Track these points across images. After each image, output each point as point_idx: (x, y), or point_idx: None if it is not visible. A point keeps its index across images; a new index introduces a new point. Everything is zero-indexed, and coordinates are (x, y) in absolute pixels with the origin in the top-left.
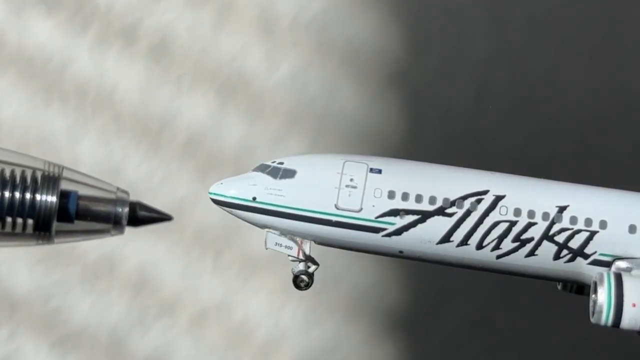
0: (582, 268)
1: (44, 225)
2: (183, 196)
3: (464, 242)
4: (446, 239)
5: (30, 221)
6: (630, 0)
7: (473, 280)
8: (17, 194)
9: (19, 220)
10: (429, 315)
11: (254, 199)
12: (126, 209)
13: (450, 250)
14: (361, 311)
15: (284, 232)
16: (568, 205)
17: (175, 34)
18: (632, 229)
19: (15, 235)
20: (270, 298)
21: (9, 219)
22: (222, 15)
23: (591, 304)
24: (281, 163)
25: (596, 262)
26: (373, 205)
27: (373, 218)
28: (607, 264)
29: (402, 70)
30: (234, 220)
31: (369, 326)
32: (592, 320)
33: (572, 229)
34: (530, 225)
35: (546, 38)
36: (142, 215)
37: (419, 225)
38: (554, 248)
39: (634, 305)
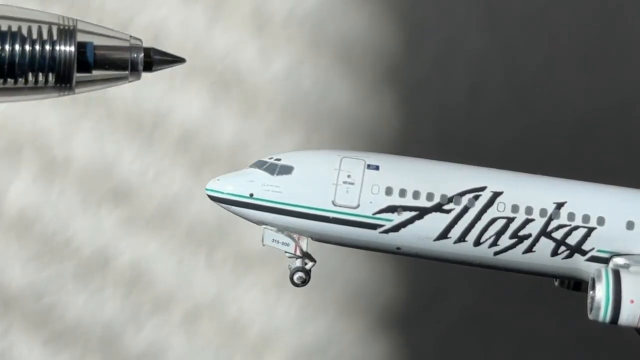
0: (579, 264)
1: (65, 77)
2: (176, 192)
3: (462, 238)
4: (444, 235)
5: (50, 75)
6: None
7: (468, 276)
8: (37, 48)
9: (40, 75)
10: (423, 311)
11: (251, 195)
12: (141, 55)
13: (447, 246)
14: (355, 307)
15: (281, 229)
16: (566, 202)
17: (169, 30)
18: (630, 225)
19: (38, 89)
20: (263, 294)
21: (30, 74)
22: (216, 11)
23: (589, 300)
24: (278, 159)
25: (594, 259)
26: (370, 202)
27: (370, 214)
28: (605, 261)
29: (396, 66)
30: (228, 217)
31: (363, 322)
32: (590, 316)
33: (570, 225)
34: (528, 221)
35: (541, 34)
36: (156, 60)
37: (417, 222)
38: (552, 244)
39: (632, 301)
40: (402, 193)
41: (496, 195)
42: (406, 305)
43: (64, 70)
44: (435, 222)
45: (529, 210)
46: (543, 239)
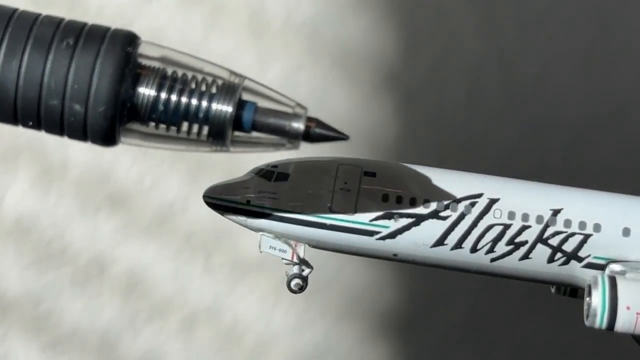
0: (576, 271)
1: (219, 132)
2: (173, 199)
3: (458, 245)
4: (440, 242)
5: (205, 128)
6: (621, 2)
7: (466, 282)
8: (194, 101)
9: (196, 127)
10: (421, 317)
11: (248, 202)
12: (302, 125)
13: (444, 253)
14: (353, 313)
15: (278, 236)
16: (562, 209)
17: (167, 36)
18: (625, 232)
19: (190, 140)
20: (261, 300)
21: (185, 124)
22: (214, 17)
23: (585, 307)
24: (275, 166)
25: (590, 265)
26: (367, 208)
27: (367, 221)
28: (601, 267)
29: (394, 73)
30: (224, 223)
31: (361, 328)
32: (587, 323)
33: (566, 232)
34: (524, 228)
35: (537, 39)
36: (317, 133)
37: (413, 229)
38: (548, 251)
39: (628, 308)
40: (399, 200)
41: (493, 202)
42: (404, 310)
43: (217, 127)
44: (432, 229)
45: (525, 217)
46: (539, 246)
